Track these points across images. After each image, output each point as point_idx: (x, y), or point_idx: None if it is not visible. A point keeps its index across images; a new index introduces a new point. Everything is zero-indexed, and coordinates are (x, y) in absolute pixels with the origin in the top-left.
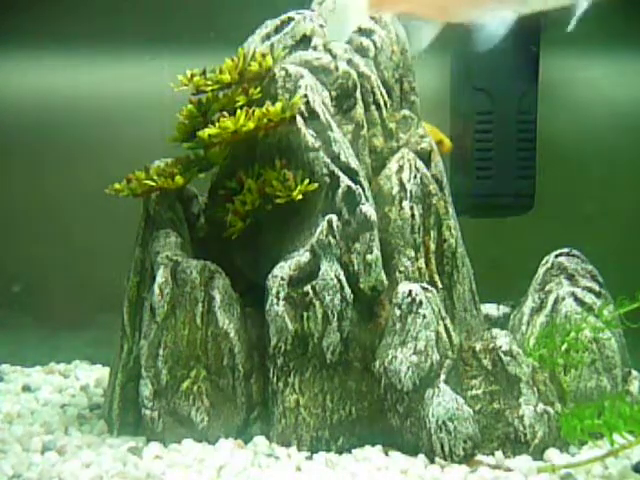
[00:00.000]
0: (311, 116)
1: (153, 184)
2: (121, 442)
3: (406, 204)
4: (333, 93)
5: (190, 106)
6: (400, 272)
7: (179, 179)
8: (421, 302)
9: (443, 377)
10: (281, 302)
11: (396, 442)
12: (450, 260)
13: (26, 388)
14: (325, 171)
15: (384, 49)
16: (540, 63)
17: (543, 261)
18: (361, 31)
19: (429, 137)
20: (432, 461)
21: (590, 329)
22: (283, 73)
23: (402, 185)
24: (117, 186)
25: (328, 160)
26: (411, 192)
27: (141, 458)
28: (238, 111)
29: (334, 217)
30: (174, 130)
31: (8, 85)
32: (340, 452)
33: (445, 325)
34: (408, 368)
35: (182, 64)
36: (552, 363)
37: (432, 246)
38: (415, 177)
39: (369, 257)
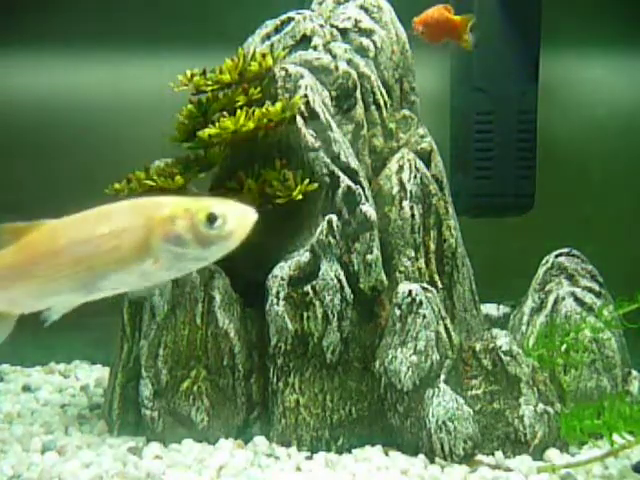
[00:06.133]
0: (311, 116)
1: (153, 184)
2: (121, 442)
3: (406, 204)
4: (333, 93)
5: (190, 106)
6: (400, 272)
7: (179, 179)
8: (421, 302)
9: (443, 377)
10: (281, 302)
11: (396, 442)
12: (450, 260)
13: (26, 388)
14: (325, 171)
15: (384, 49)
16: (540, 63)
17: (543, 261)
18: (361, 31)
19: (429, 137)
20: (432, 461)
21: (590, 329)
22: (283, 73)
23: (402, 185)
24: (117, 186)
25: (328, 160)
26: (411, 192)
27: (141, 458)
28: (238, 111)
29: (334, 217)
30: (174, 130)
31: (9, 85)
32: (340, 452)
33: (445, 325)
34: (408, 368)
35: (182, 64)
36: (552, 363)
37: (432, 246)
38: (415, 177)
39: (369, 257)
